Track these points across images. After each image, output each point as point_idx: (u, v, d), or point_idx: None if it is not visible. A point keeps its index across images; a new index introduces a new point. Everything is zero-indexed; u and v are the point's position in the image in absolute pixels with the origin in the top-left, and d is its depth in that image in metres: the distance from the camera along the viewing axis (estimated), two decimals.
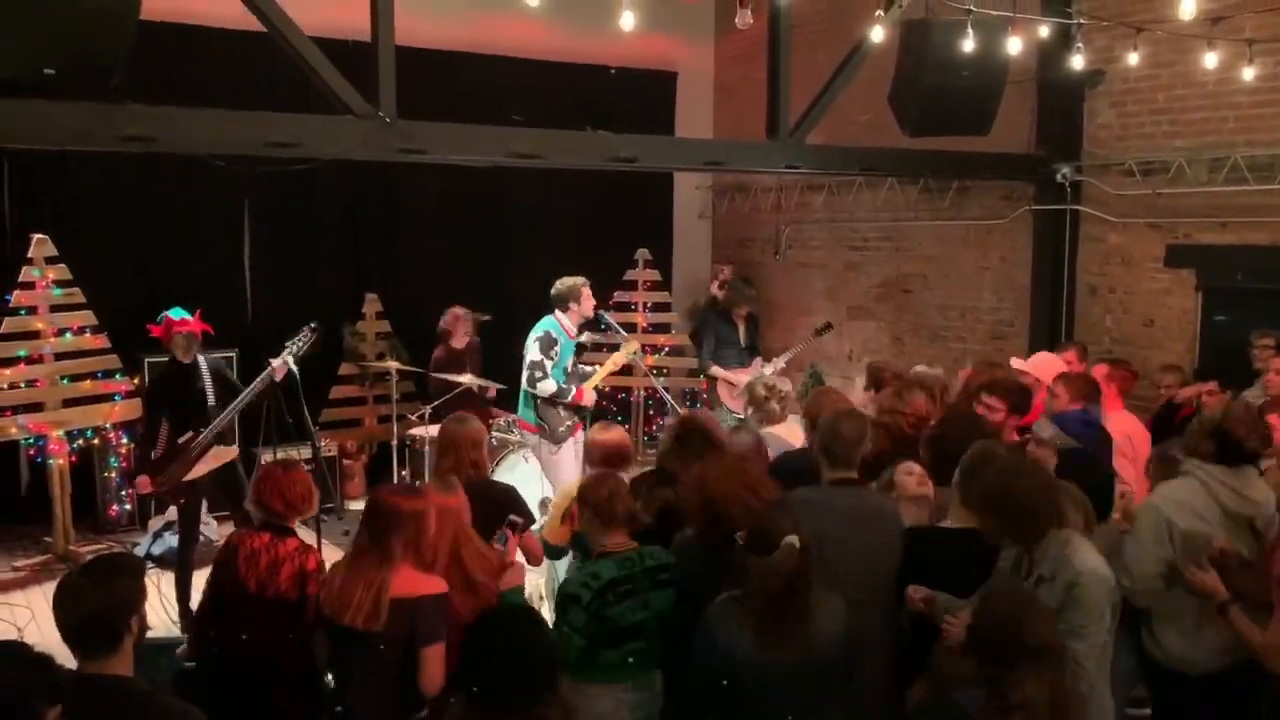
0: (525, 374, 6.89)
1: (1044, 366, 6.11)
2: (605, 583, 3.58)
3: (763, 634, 3.11)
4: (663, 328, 10.25)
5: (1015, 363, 6.23)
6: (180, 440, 6.22)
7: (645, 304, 10.21)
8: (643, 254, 10.30)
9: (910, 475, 4.24)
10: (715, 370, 8.95)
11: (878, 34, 5.74)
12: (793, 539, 3.12)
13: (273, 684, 3.91)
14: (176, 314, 6.34)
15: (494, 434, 7.58)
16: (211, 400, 6.31)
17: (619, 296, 10.12)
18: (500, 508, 4.45)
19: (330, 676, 3.79)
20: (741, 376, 8.46)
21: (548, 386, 6.84)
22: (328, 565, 4.04)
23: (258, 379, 6.25)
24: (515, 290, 9.08)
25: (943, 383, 5.93)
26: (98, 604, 2.80)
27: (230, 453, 6.46)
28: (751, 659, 3.11)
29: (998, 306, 8.72)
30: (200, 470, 6.28)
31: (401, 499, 3.67)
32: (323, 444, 7.97)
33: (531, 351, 6.88)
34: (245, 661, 3.92)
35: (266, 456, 6.40)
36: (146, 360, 8.08)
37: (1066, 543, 3.39)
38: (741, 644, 3.12)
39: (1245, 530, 3.86)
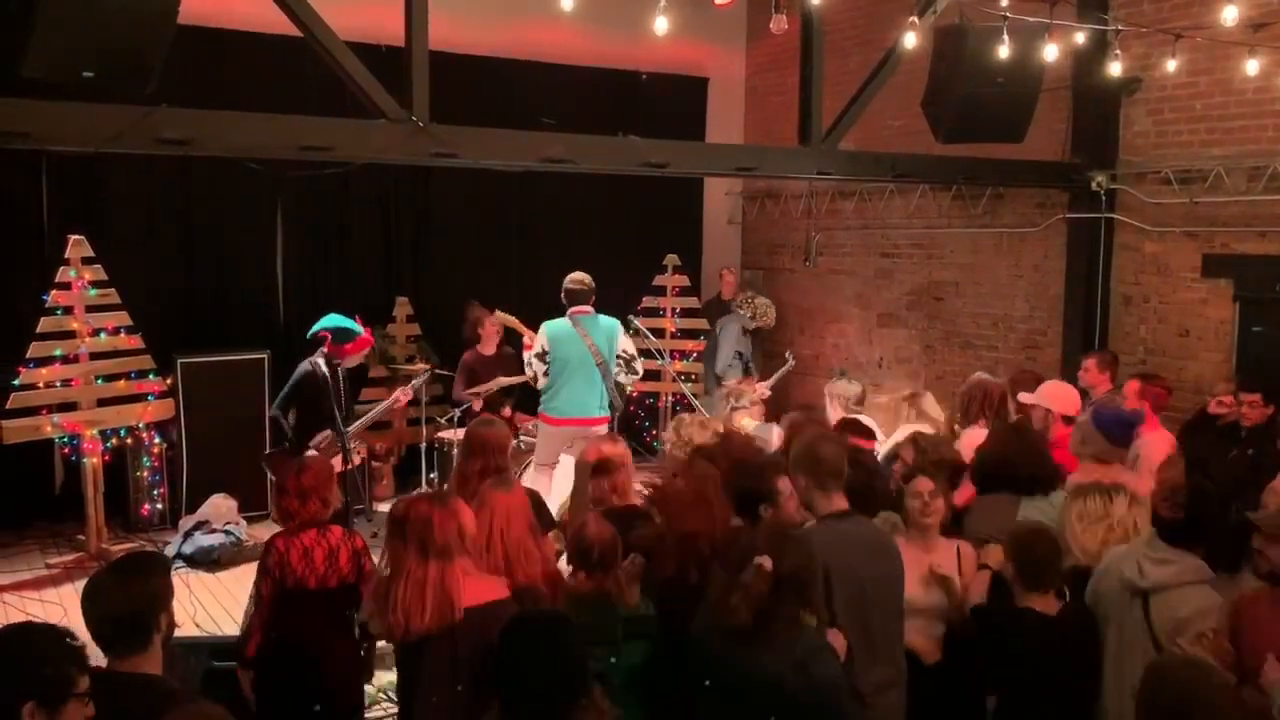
0: (635, 364, 7.09)
1: (1056, 397, 5.73)
2: None
3: (719, 650, 3.08)
4: (691, 333, 10.22)
5: (1024, 398, 5.82)
6: (318, 437, 6.62)
7: (674, 309, 10.20)
8: (672, 259, 10.28)
9: (917, 499, 4.07)
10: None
11: (910, 40, 5.70)
12: (763, 560, 3.04)
13: (334, 666, 4.12)
14: (350, 324, 6.76)
15: (521, 439, 7.65)
16: (341, 409, 6.65)
17: (648, 302, 10.11)
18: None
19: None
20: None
21: (641, 370, 7.20)
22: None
23: (385, 402, 7.27)
24: (545, 294, 9.07)
25: (1002, 389, 5.90)
26: (125, 602, 2.81)
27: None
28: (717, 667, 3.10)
29: (1030, 315, 8.63)
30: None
31: (434, 506, 3.59)
32: (353, 445, 7.99)
33: (630, 345, 7.12)
34: (310, 650, 4.09)
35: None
36: (180, 361, 8.17)
37: None
38: (710, 649, 3.12)
39: None
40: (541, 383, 7.06)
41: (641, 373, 7.22)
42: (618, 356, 7.01)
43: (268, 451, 7.12)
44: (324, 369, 6.60)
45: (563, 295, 7.11)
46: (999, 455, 4.56)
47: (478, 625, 3.39)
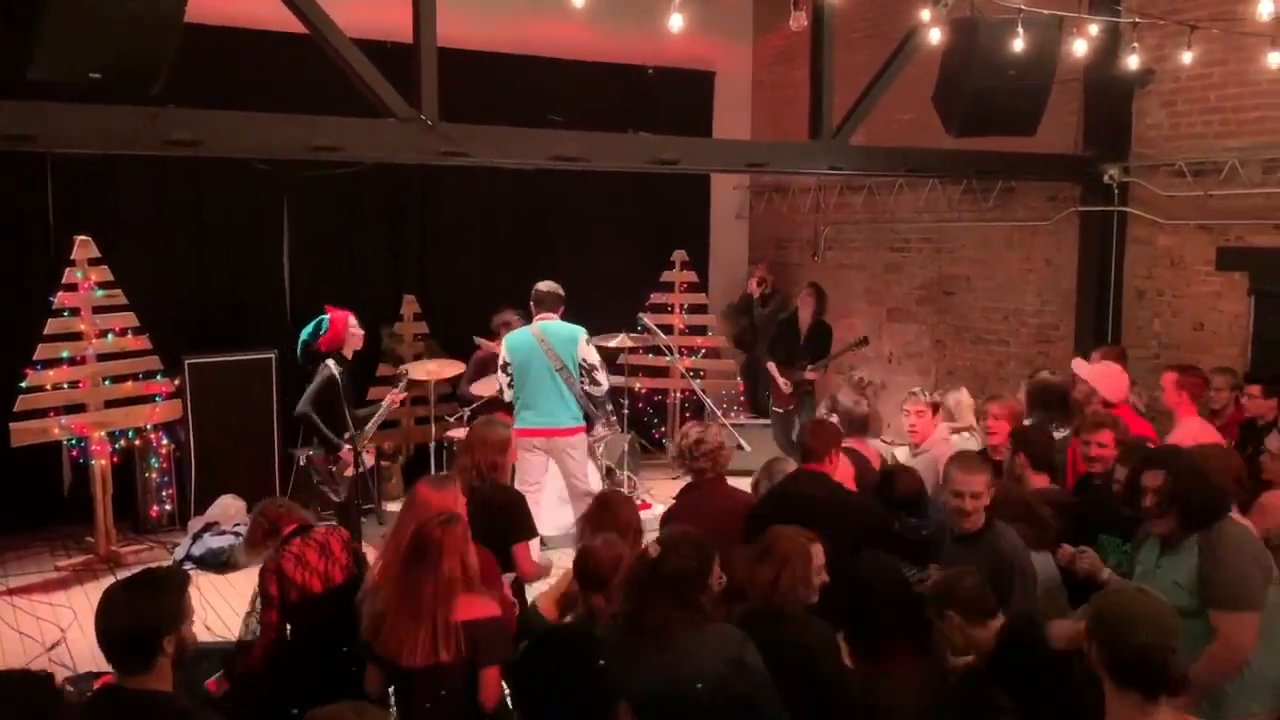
0: (597, 374, 6.89)
1: (1104, 378, 5.89)
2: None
3: (624, 660, 3.03)
4: (699, 329, 10.17)
5: (1077, 365, 6.05)
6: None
7: (682, 306, 10.14)
8: (679, 255, 10.22)
9: None
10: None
11: (934, 36, 5.65)
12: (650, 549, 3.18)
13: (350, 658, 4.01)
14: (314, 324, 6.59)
15: None
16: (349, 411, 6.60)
17: (655, 298, 10.05)
18: (500, 511, 4.54)
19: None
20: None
21: (605, 383, 7.01)
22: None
23: (382, 407, 6.96)
24: None
25: (1062, 392, 5.94)
26: (132, 621, 2.76)
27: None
28: (629, 686, 3.02)
29: (1042, 310, 8.57)
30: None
31: (442, 529, 3.55)
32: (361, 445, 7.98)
33: (591, 355, 6.90)
34: (334, 649, 4.02)
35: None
36: (187, 362, 8.13)
37: None
38: (620, 670, 3.07)
39: None
40: (508, 395, 6.97)
41: (605, 385, 7.02)
42: (579, 365, 6.86)
43: (310, 453, 6.92)
44: (336, 373, 6.55)
45: (531, 301, 7.06)
46: None
47: (466, 641, 3.37)
